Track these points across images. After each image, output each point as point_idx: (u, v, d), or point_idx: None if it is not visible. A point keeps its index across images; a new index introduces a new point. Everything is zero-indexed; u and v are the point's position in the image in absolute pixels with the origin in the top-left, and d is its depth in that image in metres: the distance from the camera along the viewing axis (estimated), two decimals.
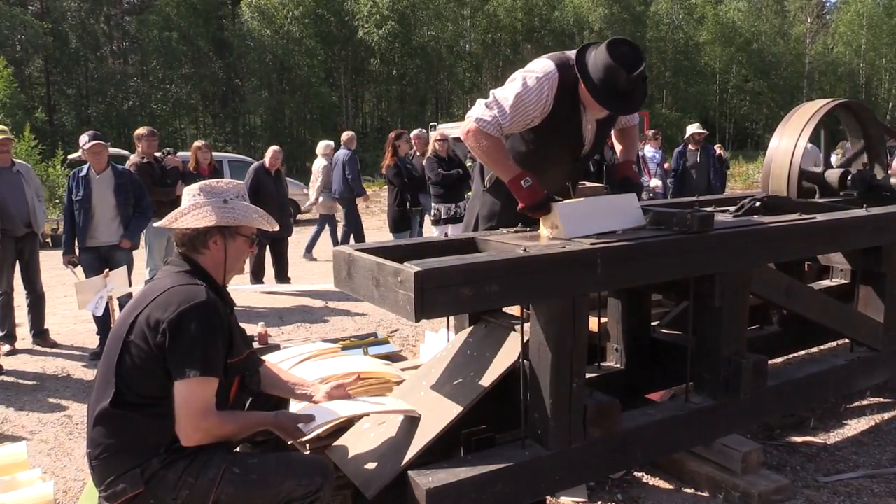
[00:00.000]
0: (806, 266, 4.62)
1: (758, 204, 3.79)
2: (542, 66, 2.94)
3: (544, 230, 2.83)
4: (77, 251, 5.71)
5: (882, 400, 4.20)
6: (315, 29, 39.43)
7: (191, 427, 2.15)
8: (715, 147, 10.52)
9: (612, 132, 3.44)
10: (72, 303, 6.02)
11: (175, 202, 2.30)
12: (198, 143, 8.21)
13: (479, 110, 2.93)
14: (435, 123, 22.43)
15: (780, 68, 50.04)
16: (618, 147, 3.47)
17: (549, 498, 2.97)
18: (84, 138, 5.77)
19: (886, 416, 4.01)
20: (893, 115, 49.86)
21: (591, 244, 2.55)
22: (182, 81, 37.03)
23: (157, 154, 7.27)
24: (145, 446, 2.17)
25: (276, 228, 2.51)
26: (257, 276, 8.06)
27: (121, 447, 2.18)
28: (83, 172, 5.66)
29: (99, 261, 5.55)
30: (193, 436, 2.16)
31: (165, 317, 2.15)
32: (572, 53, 2.95)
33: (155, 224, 2.61)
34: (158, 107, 36.41)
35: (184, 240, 2.36)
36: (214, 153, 8.79)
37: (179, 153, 8.49)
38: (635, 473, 3.32)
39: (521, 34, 42.97)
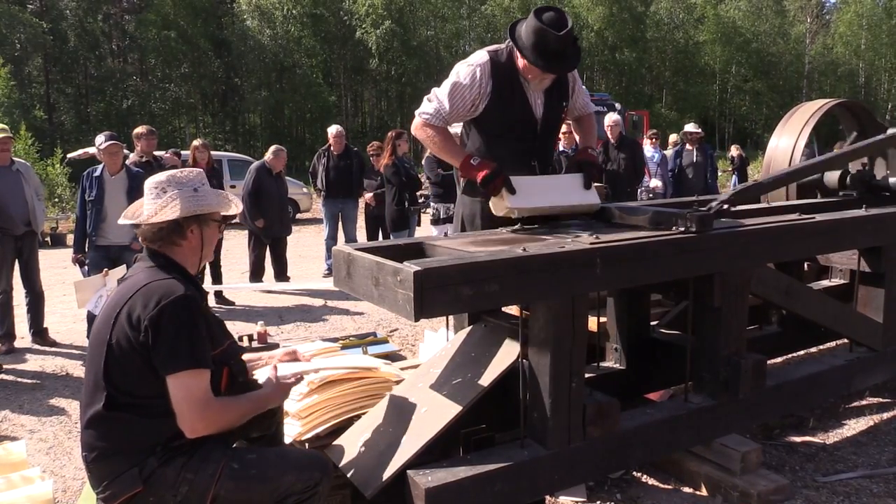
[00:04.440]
0: (805, 266, 4.62)
1: (726, 206, 3.72)
2: (474, 56, 3.22)
3: (495, 204, 2.97)
4: (86, 250, 5.71)
5: (881, 400, 4.20)
6: (314, 28, 39.45)
7: (195, 418, 2.14)
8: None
9: (571, 124, 3.54)
10: (71, 302, 6.03)
11: None
12: (196, 142, 8.20)
13: (423, 106, 3.20)
14: None
15: (779, 68, 50.04)
16: (577, 136, 3.57)
17: (548, 497, 2.97)
18: (100, 138, 5.77)
19: (885, 416, 4.01)
20: (893, 115, 49.84)
21: (591, 244, 2.55)
22: (181, 80, 37.04)
23: (159, 153, 7.26)
24: (141, 446, 2.16)
25: (239, 210, 2.54)
26: (256, 276, 8.05)
27: (116, 449, 2.17)
28: (97, 173, 5.66)
29: (107, 260, 5.53)
30: (198, 426, 2.16)
31: (146, 314, 2.13)
32: (505, 43, 3.21)
33: (130, 222, 2.59)
34: (157, 106, 36.40)
35: (161, 234, 2.32)
36: (214, 152, 8.79)
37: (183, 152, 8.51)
38: (634, 473, 3.32)
39: None
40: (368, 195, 8.61)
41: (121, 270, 5.20)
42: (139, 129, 7.09)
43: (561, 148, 7.20)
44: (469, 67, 3.15)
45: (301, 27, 38.93)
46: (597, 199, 3.07)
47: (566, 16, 3.03)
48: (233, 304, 7.44)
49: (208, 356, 2.21)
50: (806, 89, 48.73)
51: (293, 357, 2.79)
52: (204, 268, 6.61)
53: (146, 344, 2.13)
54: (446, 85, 3.17)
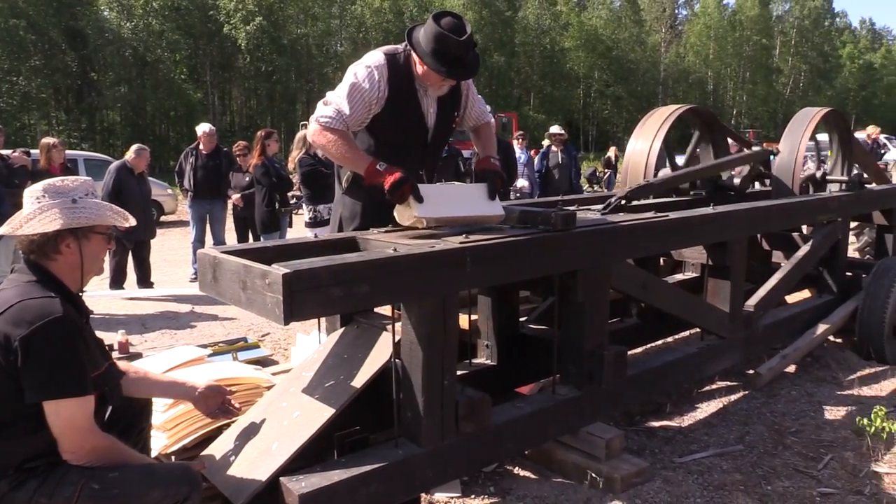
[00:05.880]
0: (661, 261, 4.92)
1: (623, 202, 4.02)
2: (370, 57, 3.10)
3: (399, 213, 2.88)
4: None
5: (729, 383, 4.53)
6: (177, 22, 37.84)
7: (80, 445, 2.09)
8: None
9: (470, 134, 3.54)
10: None
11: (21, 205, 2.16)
12: (47, 139, 7.67)
13: (320, 110, 3.05)
14: (306, 123, 22.17)
15: (637, 74, 53.01)
16: (476, 146, 3.57)
17: (423, 495, 3.00)
18: None
19: (733, 398, 4.33)
20: (738, 120, 53.95)
21: (460, 243, 2.59)
22: (31, 74, 34.38)
23: (6, 152, 6.75)
24: None
25: (133, 223, 2.40)
26: (117, 282, 7.62)
27: None
28: None
29: None
30: (80, 453, 2.09)
31: (17, 334, 2.00)
32: (401, 45, 3.12)
33: (4, 231, 2.42)
34: (4, 101, 33.63)
35: (32, 247, 2.19)
36: (69, 151, 8.27)
37: (32, 151, 7.93)
38: (507, 466, 3.41)
39: (392, 34, 43.13)
40: (236, 196, 8.36)
41: None
42: None
43: None
44: (367, 69, 3.03)
45: (163, 20, 37.22)
46: (501, 210, 3.03)
47: (465, 22, 2.99)
48: (91, 312, 7.00)
49: (89, 381, 2.11)
50: (661, 95, 51.93)
51: (217, 392, 2.71)
52: None
53: (15, 365, 1.99)
54: (343, 87, 3.04)
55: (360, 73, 3.03)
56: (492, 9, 45.60)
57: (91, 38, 35.32)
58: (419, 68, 3.03)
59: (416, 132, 3.21)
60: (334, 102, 3.04)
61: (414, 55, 3.02)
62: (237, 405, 2.78)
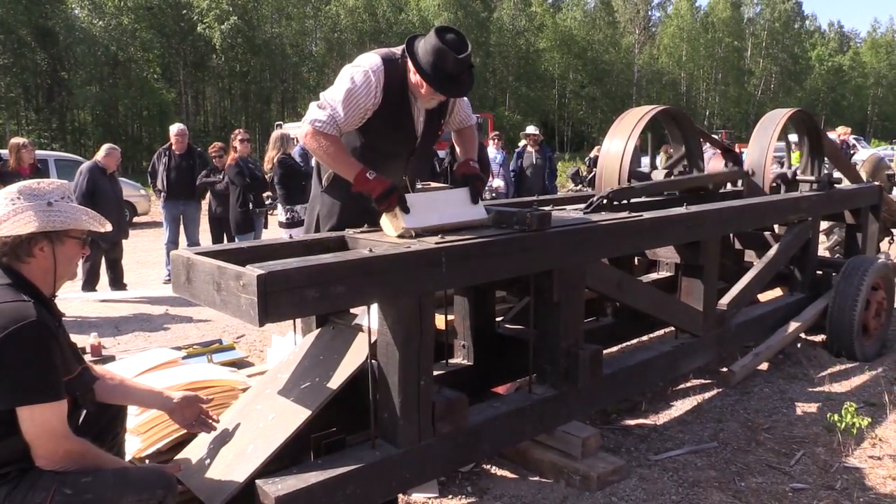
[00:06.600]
0: (636, 261, 4.96)
1: (605, 201, 4.04)
2: (367, 60, 3.03)
3: (386, 223, 2.86)
4: None
5: (703, 381, 4.58)
6: (150, 21, 37.43)
7: (54, 450, 2.06)
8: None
9: (452, 135, 3.54)
10: None
11: None
12: (17, 139, 7.54)
13: (314, 112, 2.98)
14: (281, 122, 22.13)
15: (612, 75, 53.44)
16: (458, 148, 3.55)
17: (400, 496, 2.99)
18: None
19: (707, 395, 4.37)
20: (710, 121, 54.58)
21: (436, 243, 2.60)
22: None
23: None
24: None
25: (109, 229, 2.37)
26: (90, 284, 7.52)
27: None
28: None
29: None
30: (54, 458, 2.06)
31: None
32: (398, 49, 3.07)
33: None
34: None
35: (4, 249, 2.16)
36: (39, 151, 8.14)
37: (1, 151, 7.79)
38: (484, 465, 3.41)
39: (367, 35, 43.06)
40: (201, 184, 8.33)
41: None
42: None
43: None
44: (364, 74, 2.96)
45: (135, 18, 36.78)
46: (484, 214, 3.04)
47: (466, 40, 2.96)
48: (63, 315, 6.89)
49: (62, 385, 2.08)
50: (635, 96, 52.38)
51: (194, 403, 2.64)
52: None
53: None
54: (339, 90, 2.96)
55: (358, 78, 2.96)
56: (467, 10, 45.69)
57: (61, 36, 34.81)
58: (413, 77, 2.99)
59: (404, 139, 3.20)
60: (329, 106, 2.96)
61: (410, 64, 2.97)
62: (215, 417, 2.74)
